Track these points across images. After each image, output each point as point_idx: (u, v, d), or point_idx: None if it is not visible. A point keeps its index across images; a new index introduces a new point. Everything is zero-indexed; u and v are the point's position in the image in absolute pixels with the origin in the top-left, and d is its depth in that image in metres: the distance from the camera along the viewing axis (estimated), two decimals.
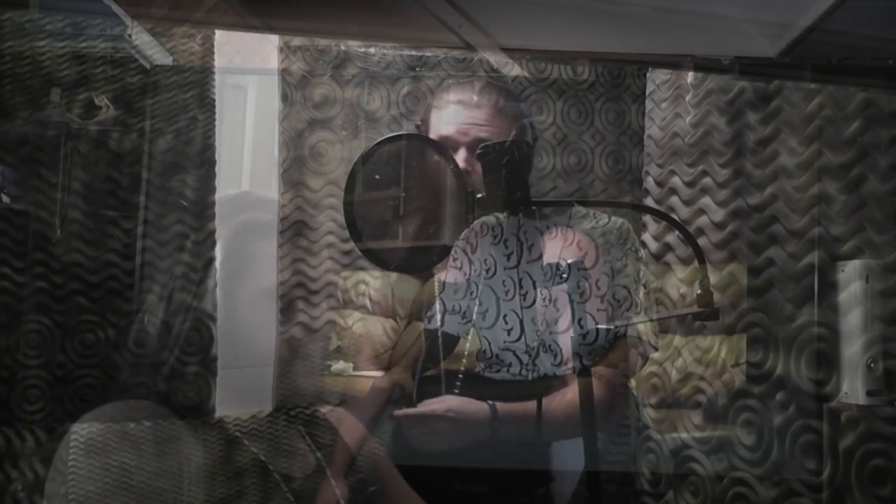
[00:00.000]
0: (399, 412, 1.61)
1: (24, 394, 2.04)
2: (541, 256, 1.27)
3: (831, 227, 1.62)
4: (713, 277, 1.77)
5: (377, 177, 1.15)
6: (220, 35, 2.23)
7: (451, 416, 1.60)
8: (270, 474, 1.48)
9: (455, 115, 1.75)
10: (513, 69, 2.37)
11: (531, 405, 1.70)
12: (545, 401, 1.73)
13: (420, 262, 1.23)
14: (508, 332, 1.98)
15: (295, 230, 2.30)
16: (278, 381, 2.18)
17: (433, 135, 1.75)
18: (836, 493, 1.55)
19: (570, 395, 1.73)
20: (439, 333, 1.96)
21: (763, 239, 1.75)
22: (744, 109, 1.82)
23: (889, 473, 1.50)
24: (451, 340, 1.96)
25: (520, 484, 1.67)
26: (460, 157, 1.68)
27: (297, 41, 2.33)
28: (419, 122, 1.88)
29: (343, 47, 2.32)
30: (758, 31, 1.67)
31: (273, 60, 2.33)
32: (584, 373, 1.19)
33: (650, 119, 2.12)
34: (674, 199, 1.99)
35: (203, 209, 2.19)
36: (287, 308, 2.23)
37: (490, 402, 1.63)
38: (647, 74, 2.16)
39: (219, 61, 2.25)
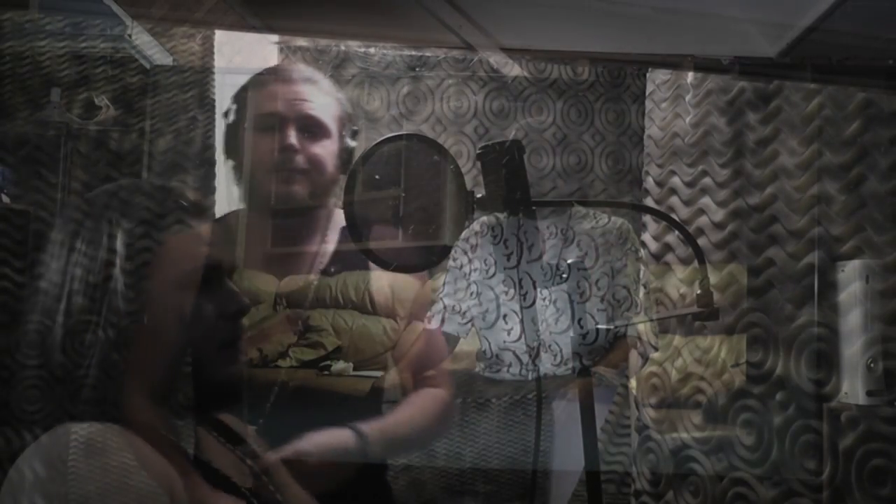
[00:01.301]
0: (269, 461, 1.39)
1: (24, 394, 2.04)
2: (541, 256, 1.27)
3: (831, 227, 1.62)
4: (713, 277, 1.77)
5: (377, 177, 1.15)
6: (220, 35, 2.23)
7: (314, 455, 1.42)
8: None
9: (282, 90, 1.60)
10: (513, 69, 2.37)
11: (399, 417, 1.56)
12: (408, 409, 1.59)
13: (420, 262, 1.23)
14: (508, 332, 1.98)
15: None
16: None
17: (254, 114, 1.61)
18: (836, 493, 1.55)
19: (422, 400, 1.61)
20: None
21: (763, 239, 1.75)
22: (744, 109, 1.82)
23: (889, 473, 1.50)
24: (451, 340, 1.96)
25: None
26: (290, 134, 1.58)
27: (297, 41, 2.33)
28: (228, 110, 1.67)
29: (343, 47, 2.32)
30: (758, 31, 1.67)
31: (273, 60, 2.33)
32: (584, 373, 1.19)
33: (650, 119, 2.11)
34: (674, 199, 1.99)
35: (203, 209, 2.19)
36: None
37: (353, 427, 1.47)
38: (647, 74, 2.16)
39: (219, 61, 2.25)
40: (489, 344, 1.98)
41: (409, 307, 1.71)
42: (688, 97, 1.97)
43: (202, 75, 2.21)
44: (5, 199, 2.08)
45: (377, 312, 1.68)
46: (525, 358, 1.96)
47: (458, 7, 1.64)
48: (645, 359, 1.97)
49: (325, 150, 1.63)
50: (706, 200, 1.89)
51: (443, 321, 1.93)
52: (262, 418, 1.52)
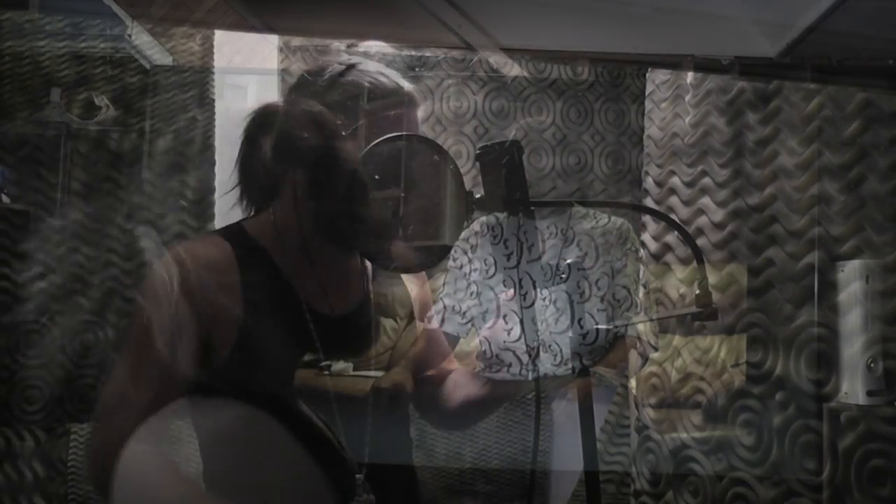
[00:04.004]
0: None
1: (24, 394, 2.04)
2: (540, 257, 1.27)
3: (831, 227, 1.63)
4: (713, 278, 1.77)
5: (377, 177, 1.15)
6: (219, 35, 2.23)
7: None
8: None
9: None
10: (513, 69, 2.37)
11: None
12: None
13: (420, 262, 1.23)
14: (508, 332, 1.98)
15: None
16: None
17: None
18: (836, 493, 1.55)
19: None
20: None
21: (763, 239, 1.75)
22: (743, 110, 1.82)
23: (889, 473, 1.50)
24: (451, 340, 1.96)
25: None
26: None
27: (297, 41, 2.33)
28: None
29: (343, 47, 2.32)
30: (758, 31, 1.67)
31: (273, 60, 2.33)
32: (583, 373, 1.19)
33: (650, 119, 2.11)
34: (673, 200, 1.99)
35: (203, 209, 2.19)
36: None
37: None
38: (647, 74, 2.16)
39: (219, 61, 2.25)
40: (489, 344, 1.98)
41: (410, 307, 1.70)
42: (687, 97, 1.96)
43: (202, 75, 2.22)
44: (5, 199, 2.08)
45: (377, 312, 1.67)
46: (525, 358, 1.96)
47: (458, 7, 1.64)
48: (645, 359, 1.97)
49: None
50: (706, 200, 1.89)
51: (443, 321, 1.93)
52: None
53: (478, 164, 1.13)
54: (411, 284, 1.65)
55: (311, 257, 1.34)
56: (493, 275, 1.97)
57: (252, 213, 1.38)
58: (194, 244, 1.40)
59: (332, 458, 1.33)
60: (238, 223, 1.41)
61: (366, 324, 1.46)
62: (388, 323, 1.66)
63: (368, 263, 1.43)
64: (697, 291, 1.18)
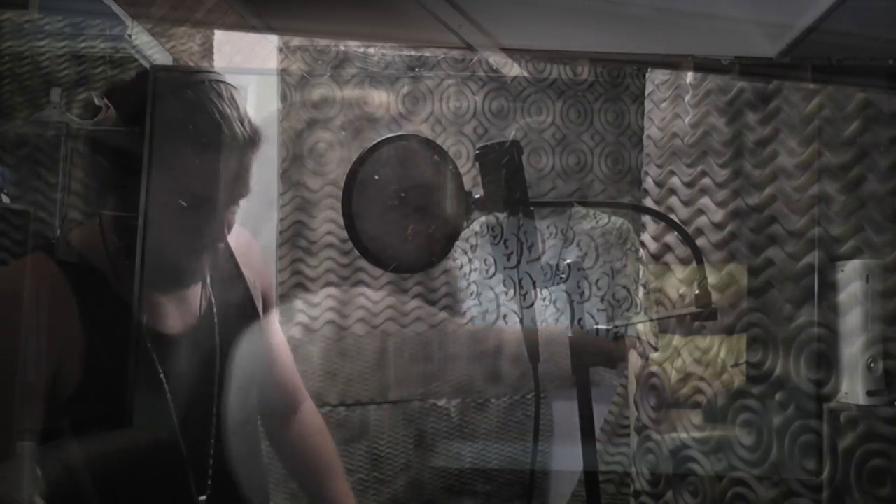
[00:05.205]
0: None
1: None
2: (540, 257, 1.27)
3: (831, 228, 1.63)
4: (713, 278, 1.77)
5: (375, 177, 1.15)
6: (219, 35, 2.23)
7: None
8: None
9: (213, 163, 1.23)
10: (512, 69, 2.37)
11: None
12: None
13: (419, 262, 1.23)
14: None
15: (294, 230, 2.30)
16: None
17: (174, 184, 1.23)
18: (835, 493, 1.55)
19: None
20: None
21: (762, 239, 1.75)
22: (743, 110, 1.82)
23: (889, 473, 1.50)
24: None
25: None
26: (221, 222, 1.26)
27: (296, 41, 2.33)
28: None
29: (342, 47, 2.32)
30: (758, 31, 1.67)
31: (273, 60, 2.33)
32: (583, 373, 1.19)
33: (649, 119, 2.11)
34: (673, 200, 1.99)
35: None
36: (286, 309, 2.23)
37: None
38: (647, 75, 2.16)
39: (219, 61, 2.25)
40: None
41: (255, 313, 1.59)
42: (687, 97, 1.96)
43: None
44: (5, 199, 2.08)
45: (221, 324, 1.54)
46: None
47: (458, 7, 1.64)
48: (645, 359, 1.97)
49: None
50: (705, 201, 1.89)
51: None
52: None
53: (477, 164, 1.13)
54: (254, 283, 1.47)
55: (143, 271, 1.22)
56: (493, 275, 1.97)
57: (78, 223, 1.30)
58: (13, 273, 1.28)
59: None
60: (64, 235, 1.31)
61: (209, 341, 1.32)
62: None
63: (208, 273, 1.31)
64: (697, 291, 1.18)
